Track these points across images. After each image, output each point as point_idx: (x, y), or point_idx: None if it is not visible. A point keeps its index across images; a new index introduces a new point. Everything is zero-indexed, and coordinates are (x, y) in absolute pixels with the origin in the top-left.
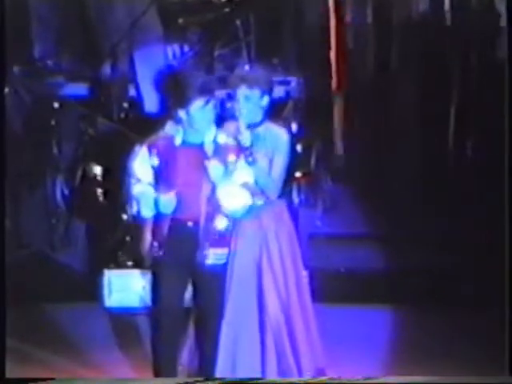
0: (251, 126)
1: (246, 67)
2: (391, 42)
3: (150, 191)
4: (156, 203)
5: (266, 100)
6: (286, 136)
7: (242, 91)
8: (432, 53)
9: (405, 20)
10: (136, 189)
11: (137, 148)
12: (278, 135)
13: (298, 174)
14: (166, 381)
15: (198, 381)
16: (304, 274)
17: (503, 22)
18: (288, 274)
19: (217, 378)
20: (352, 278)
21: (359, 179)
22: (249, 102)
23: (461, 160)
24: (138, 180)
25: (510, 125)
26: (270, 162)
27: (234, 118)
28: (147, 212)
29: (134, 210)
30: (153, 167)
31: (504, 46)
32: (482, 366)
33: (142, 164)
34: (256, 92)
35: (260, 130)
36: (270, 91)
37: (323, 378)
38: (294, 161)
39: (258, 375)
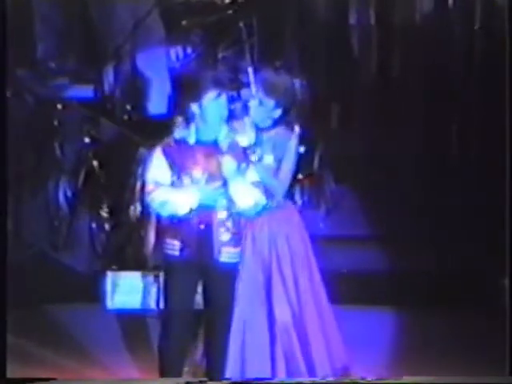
0: (258, 129)
1: (250, 70)
2: (393, 43)
3: (172, 193)
4: (178, 205)
5: (278, 112)
6: (296, 140)
7: (258, 95)
8: (434, 53)
9: (406, 21)
10: (157, 193)
11: (151, 153)
12: (288, 139)
13: (300, 176)
14: (167, 381)
15: (201, 381)
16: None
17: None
18: (299, 278)
19: (221, 379)
20: (354, 279)
21: (362, 181)
22: (261, 107)
23: (462, 161)
24: (158, 184)
25: (511, 125)
26: (279, 164)
27: (237, 118)
28: (169, 213)
29: (155, 213)
30: (170, 169)
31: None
32: (482, 366)
33: (160, 168)
34: (270, 101)
35: (270, 133)
36: (287, 106)
37: (326, 379)
38: (297, 162)
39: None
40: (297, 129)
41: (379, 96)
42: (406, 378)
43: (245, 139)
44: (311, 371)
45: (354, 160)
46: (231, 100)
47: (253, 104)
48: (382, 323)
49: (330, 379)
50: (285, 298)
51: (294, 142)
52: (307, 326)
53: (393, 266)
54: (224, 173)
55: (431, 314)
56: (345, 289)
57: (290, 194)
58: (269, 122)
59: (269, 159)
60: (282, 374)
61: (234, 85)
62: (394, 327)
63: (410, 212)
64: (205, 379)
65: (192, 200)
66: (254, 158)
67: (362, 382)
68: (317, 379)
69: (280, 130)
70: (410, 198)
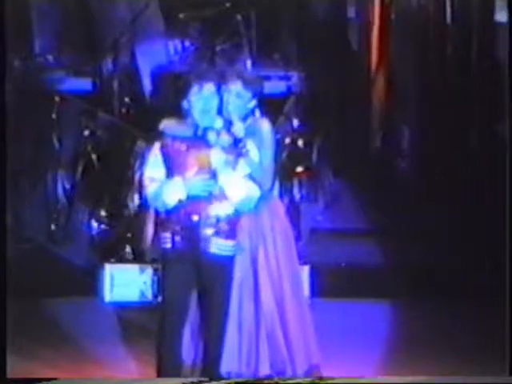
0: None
1: (248, 63)
2: (391, 37)
3: (163, 186)
4: (167, 196)
5: (253, 103)
6: (270, 126)
7: (236, 87)
8: (432, 47)
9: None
10: (151, 187)
11: (149, 148)
12: (262, 127)
13: (299, 169)
14: (170, 381)
15: (203, 381)
16: (302, 269)
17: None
18: (282, 270)
19: (222, 378)
20: (353, 272)
21: (360, 174)
22: (239, 99)
23: (461, 155)
24: (153, 180)
25: (510, 123)
26: (259, 153)
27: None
28: (161, 205)
29: (152, 206)
30: (165, 166)
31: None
32: (482, 366)
33: (156, 165)
34: (248, 93)
35: (245, 124)
36: (259, 96)
37: (328, 378)
38: (296, 156)
39: (252, 368)
40: (295, 122)
41: (378, 90)
42: (405, 379)
43: (232, 132)
44: (293, 364)
45: (352, 154)
46: (218, 92)
47: (231, 98)
48: (381, 317)
49: (328, 378)
50: (270, 288)
51: (268, 130)
52: (289, 317)
53: (391, 259)
54: (214, 166)
55: (430, 309)
56: (343, 282)
57: (287, 188)
58: (244, 113)
59: (250, 148)
60: (265, 367)
61: (216, 77)
62: (393, 321)
63: (408, 206)
64: (206, 379)
65: (180, 190)
66: (244, 150)
67: (361, 381)
68: (316, 378)
69: (253, 120)
70: (408, 192)
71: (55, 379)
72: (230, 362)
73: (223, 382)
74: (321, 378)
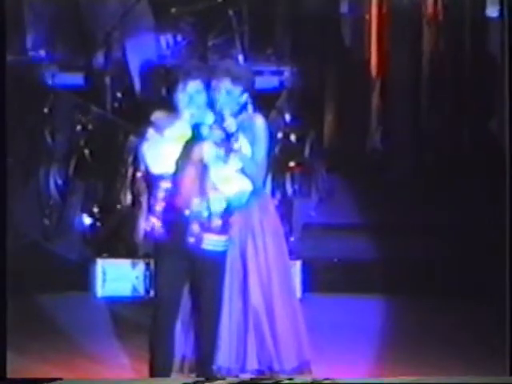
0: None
1: (241, 58)
2: (385, 33)
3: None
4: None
5: (245, 97)
6: (264, 122)
7: (225, 84)
8: (423, 45)
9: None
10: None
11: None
12: (256, 122)
13: (291, 164)
14: (168, 381)
15: (198, 381)
16: (294, 264)
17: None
18: (271, 266)
19: (218, 378)
20: (346, 268)
21: (353, 169)
22: (229, 96)
23: (460, 151)
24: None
25: (510, 119)
26: (252, 149)
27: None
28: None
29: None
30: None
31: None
32: (482, 366)
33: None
34: (238, 88)
35: (237, 119)
36: (250, 90)
37: (327, 379)
38: (288, 151)
39: (240, 363)
40: (287, 117)
41: (370, 85)
42: (404, 379)
43: (223, 128)
44: (280, 360)
45: (345, 148)
46: (206, 89)
47: (222, 95)
48: (375, 312)
49: (327, 379)
50: (258, 286)
51: (261, 125)
52: (277, 311)
53: (385, 254)
54: (206, 160)
55: (426, 304)
56: (336, 277)
57: (280, 183)
58: (236, 109)
59: (243, 144)
60: (253, 362)
61: (204, 74)
62: (387, 317)
63: (402, 201)
64: (201, 379)
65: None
66: (236, 146)
67: (361, 381)
68: (318, 379)
69: (247, 115)
70: (402, 187)
71: (52, 377)
72: (219, 356)
73: (220, 381)
74: (325, 379)
